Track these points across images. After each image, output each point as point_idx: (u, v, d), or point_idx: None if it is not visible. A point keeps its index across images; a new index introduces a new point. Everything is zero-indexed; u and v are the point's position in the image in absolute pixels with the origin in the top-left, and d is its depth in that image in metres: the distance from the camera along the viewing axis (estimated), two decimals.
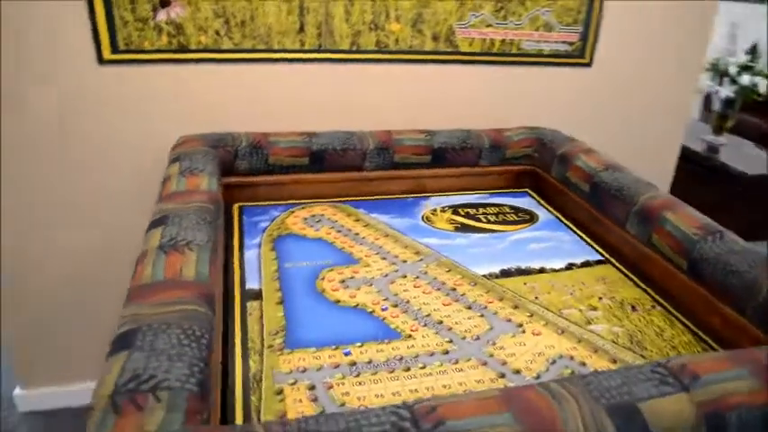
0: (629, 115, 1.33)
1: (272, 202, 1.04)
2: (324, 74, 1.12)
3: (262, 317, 0.73)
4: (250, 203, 1.03)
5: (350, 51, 1.12)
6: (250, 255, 0.87)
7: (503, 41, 1.17)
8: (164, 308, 0.56)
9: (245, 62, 1.08)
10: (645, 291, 0.84)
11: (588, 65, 1.24)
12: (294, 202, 1.05)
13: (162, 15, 1.02)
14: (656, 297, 0.82)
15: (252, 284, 0.80)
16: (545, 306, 0.79)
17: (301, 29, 1.08)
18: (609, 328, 0.75)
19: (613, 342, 0.72)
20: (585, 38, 1.21)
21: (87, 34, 1.00)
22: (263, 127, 1.08)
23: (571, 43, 1.21)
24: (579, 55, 1.22)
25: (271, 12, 1.06)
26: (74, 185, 1.10)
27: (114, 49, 1.02)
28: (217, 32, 1.05)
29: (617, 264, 0.90)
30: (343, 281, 0.82)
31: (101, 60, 1.02)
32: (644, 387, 0.50)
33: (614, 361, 0.69)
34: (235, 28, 1.05)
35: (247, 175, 1.03)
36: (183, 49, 1.05)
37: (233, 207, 1.02)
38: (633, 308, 0.80)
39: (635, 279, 0.86)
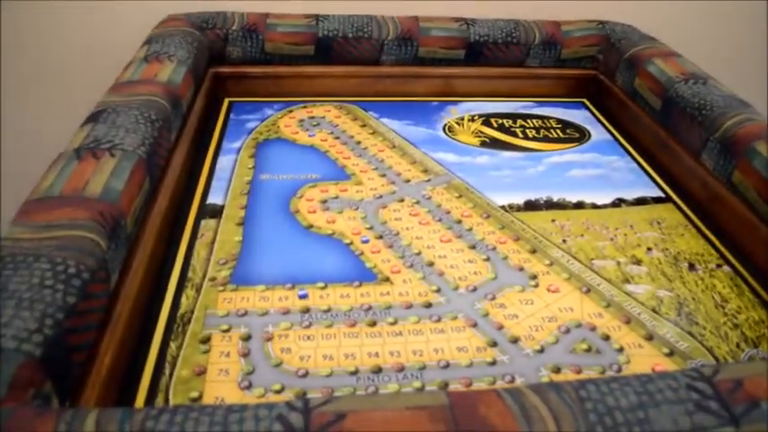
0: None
1: (269, 99, 0.88)
2: None
3: (214, 240, 0.61)
4: (242, 99, 0.88)
5: None
6: (224, 161, 0.74)
7: None
8: (45, 232, 0.44)
9: None
10: (712, 244, 0.64)
11: None
12: (294, 99, 0.89)
13: None
14: (726, 254, 0.63)
15: (215, 199, 0.67)
16: (572, 253, 0.62)
17: None
18: (653, 292, 0.57)
19: (654, 311, 0.55)
20: None
21: None
22: (269, 7, 0.90)
23: None
24: None
25: None
26: (60, 61, 0.98)
27: None
28: None
29: (681, 205, 0.70)
30: (324, 201, 0.67)
31: None
32: (669, 414, 0.33)
33: (650, 337, 0.52)
34: None
35: (241, 64, 0.87)
36: None
37: (223, 102, 0.87)
38: (691, 266, 0.61)
39: (701, 227, 0.67)
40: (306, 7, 0.90)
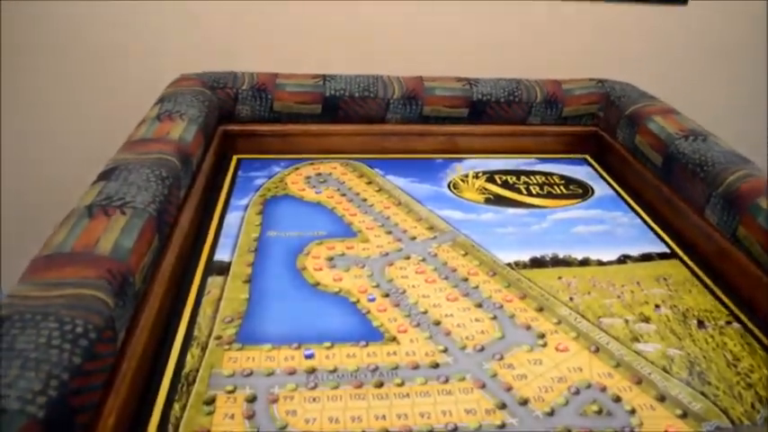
0: (729, 74, 1.08)
1: (277, 156, 0.90)
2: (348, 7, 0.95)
3: (221, 298, 0.61)
4: (250, 156, 0.90)
5: None
6: (232, 218, 0.74)
7: None
8: (54, 290, 0.44)
9: None
10: (720, 300, 0.64)
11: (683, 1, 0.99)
12: (301, 156, 0.90)
13: None
14: (735, 310, 0.62)
15: (222, 255, 0.67)
16: (580, 311, 0.61)
17: None
18: (663, 350, 0.57)
19: (665, 371, 0.54)
20: None
21: None
22: (279, 68, 0.93)
23: None
24: None
25: None
26: (71, 121, 1.01)
27: None
28: None
29: (687, 261, 0.70)
30: (330, 258, 0.68)
31: None
32: None
33: (662, 398, 0.51)
34: None
35: (250, 122, 0.89)
36: None
37: (231, 159, 0.89)
38: (701, 323, 0.60)
39: (708, 283, 0.66)
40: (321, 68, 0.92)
